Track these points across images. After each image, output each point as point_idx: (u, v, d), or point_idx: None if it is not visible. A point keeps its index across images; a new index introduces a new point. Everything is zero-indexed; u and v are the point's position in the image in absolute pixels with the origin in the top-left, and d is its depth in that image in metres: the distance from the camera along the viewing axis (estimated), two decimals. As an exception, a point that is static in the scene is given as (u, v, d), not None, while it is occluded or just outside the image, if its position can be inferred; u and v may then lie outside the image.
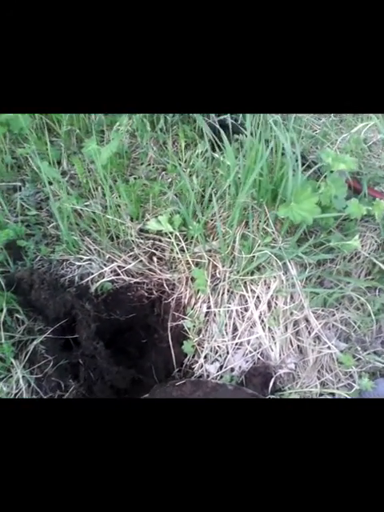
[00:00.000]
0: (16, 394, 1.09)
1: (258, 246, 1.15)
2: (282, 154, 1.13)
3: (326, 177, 1.11)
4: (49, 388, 1.11)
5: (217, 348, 1.21)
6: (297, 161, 1.11)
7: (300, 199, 1.08)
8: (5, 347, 1.11)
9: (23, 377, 1.10)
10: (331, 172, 1.11)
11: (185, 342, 1.23)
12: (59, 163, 1.50)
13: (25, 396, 1.07)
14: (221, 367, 1.19)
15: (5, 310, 1.15)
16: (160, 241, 1.34)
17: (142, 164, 1.49)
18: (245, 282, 1.21)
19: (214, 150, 1.34)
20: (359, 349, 1.16)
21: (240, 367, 1.18)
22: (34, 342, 1.16)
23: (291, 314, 1.18)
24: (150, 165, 1.48)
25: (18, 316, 1.19)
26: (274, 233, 1.15)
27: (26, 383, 1.10)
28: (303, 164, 1.20)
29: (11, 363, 1.12)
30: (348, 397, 1.06)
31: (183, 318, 1.27)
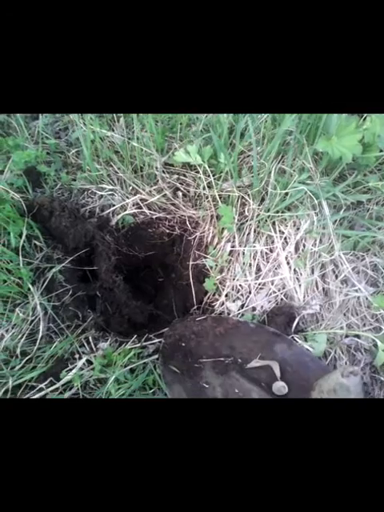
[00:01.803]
0: (32, 321, 1.05)
1: (294, 182, 1.09)
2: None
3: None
4: (66, 317, 1.08)
5: (239, 287, 1.17)
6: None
7: (342, 134, 1.01)
8: (23, 272, 1.07)
9: (41, 304, 1.06)
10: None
11: (206, 279, 1.19)
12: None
13: (41, 323, 1.04)
14: (242, 306, 1.16)
15: (24, 236, 1.10)
16: (185, 175, 1.28)
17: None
18: (274, 222, 1.15)
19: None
20: None
21: (262, 307, 1.15)
22: (53, 270, 1.11)
23: (319, 256, 1.13)
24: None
25: (37, 243, 1.14)
26: (311, 169, 1.09)
27: (43, 310, 1.06)
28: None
29: (29, 289, 1.08)
30: (376, 339, 1.03)
31: (205, 257, 1.23)
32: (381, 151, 1.05)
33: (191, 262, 1.25)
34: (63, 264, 1.13)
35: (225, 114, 1.18)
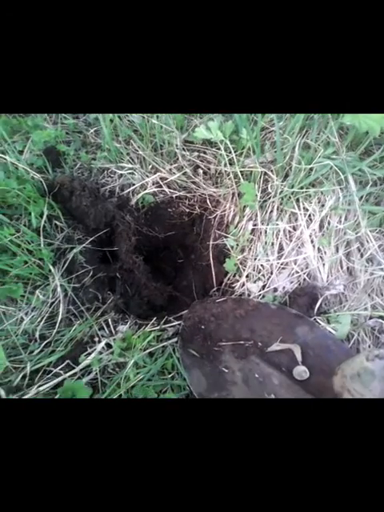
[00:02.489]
0: (52, 304, 1.05)
1: (319, 157, 1.04)
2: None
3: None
4: (86, 299, 1.07)
5: (260, 267, 1.14)
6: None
7: (370, 106, 0.95)
8: (44, 253, 1.07)
9: (61, 285, 1.06)
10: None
11: (227, 259, 1.16)
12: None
13: (61, 305, 1.04)
14: (263, 287, 1.13)
15: (45, 216, 1.09)
16: (205, 153, 1.24)
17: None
18: (297, 199, 1.11)
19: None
20: None
21: (284, 287, 1.11)
22: (73, 251, 1.11)
23: (345, 233, 1.09)
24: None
25: (58, 223, 1.14)
26: (337, 143, 1.04)
27: (63, 292, 1.06)
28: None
29: (49, 271, 1.08)
30: None
31: (225, 237, 1.20)
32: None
33: (211, 242, 1.22)
34: (84, 244, 1.12)
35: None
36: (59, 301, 1.05)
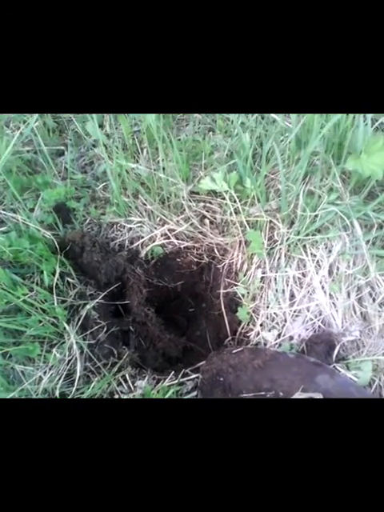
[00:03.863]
0: (69, 361, 1.05)
1: (323, 203, 1.06)
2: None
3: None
4: (102, 354, 1.08)
5: (274, 315, 1.14)
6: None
7: (371, 151, 0.98)
8: (58, 311, 1.07)
9: (77, 343, 1.06)
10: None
11: (239, 308, 1.17)
12: (101, 126, 1.44)
13: (78, 363, 1.04)
14: (279, 335, 1.12)
15: (57, 274, 1.11)
16: (211, 203, 1.27)
17: (186, 125, 1.41)
18: (304, 245, 1.13)
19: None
20: None
21: (299, 335, 1.11)
22: (87, 307, 1.12)
23: (354, 278, 1.09)
24: (195, 125, 1.41)
25: (70, 280, 1.15)
26: (340, 189, 1.06)
27: (79, 349, 1.06)
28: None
29: (64, 328, 1.08)
30: None
31: (235, 285, 1.21)
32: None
33: (222, 291, 1.23)
34: (96, 300, 1.13)
35: (248, 138, 1.17)
36: (76, 358, 1.05)
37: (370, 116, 1.05)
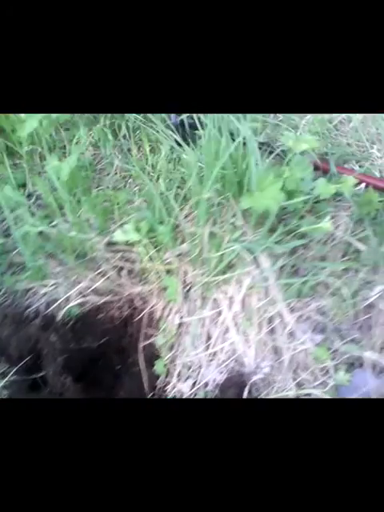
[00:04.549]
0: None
1: (228, 242, 1.07)
2: (244, 144, 1.06)
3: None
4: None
5: (190, 363, 1.12)
6: (260, 148, 1.05)
7: (263, 187, 1.01)
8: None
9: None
10: (295, 155, 1.03)
11: (156, 361, 1.15)
12: (24, 185, 1.45)
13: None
14: (194, 384, 1.10)
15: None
16: (131, 251, 1.26)
17: (108, 174, 1.43)
18: (217, 284, 1.12)
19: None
20: (336, 339, 1.05)
21: (214, 380, 1.09)
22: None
23: (265, 311, 1.09)
24: (116, 174, 1.43)
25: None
26: (243, 226, 1.07)
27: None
28: (270, 152, 1.14)
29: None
30: (324, 395, 0.97)
31: (155, 335, 1.18)
32: (307, 194, 1.04)
33: (142, 343, 1.20)
34: (6, 378, 1.09)
35: (162, 185, 1.19)
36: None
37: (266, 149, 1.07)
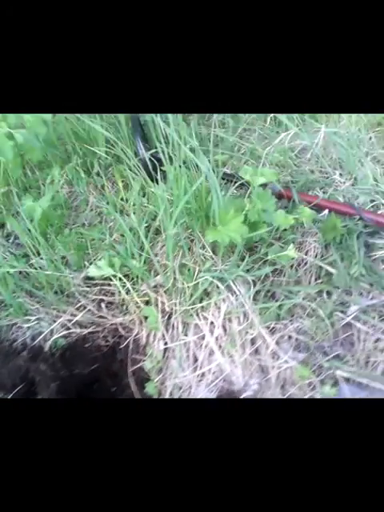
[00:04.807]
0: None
1: (199, 272, 1.13)
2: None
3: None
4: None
5: (180, 384, 1.17)
6: (226, 180, 1.11)
7: (225, 221, 1.07)
8: None
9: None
10: (256, 187, 1.10)
11: (146, 384, 1.19)
12: (3, 226, 1.50)
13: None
14: None
15: None
16: (109, 285, 1.31)
17: (83, 211, 1.48)
18: (196, 311, 1.18)
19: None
20: (320, 356, 1.11)
21: None
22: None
23: (246, 333, 1.14)
24: (92, 210, 1.48)
25: (-30, 393, 1.15)
26: (212, 257, 1.13)
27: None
28: (235, 182, 1.21)
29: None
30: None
31: (144, 360, 1.23)
32: (270, 225, 1.10)
33: (131, 368, 1.25)
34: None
35: (135, 220, 1.24)
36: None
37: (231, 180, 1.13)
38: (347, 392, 1.04)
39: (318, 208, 1.21)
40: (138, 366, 1.24)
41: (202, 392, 1.14)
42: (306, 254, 1.19)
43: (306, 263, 1.21)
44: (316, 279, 1.19)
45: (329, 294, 1.15)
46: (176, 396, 1.17)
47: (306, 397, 1.07)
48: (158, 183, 1.24)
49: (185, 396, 1.16)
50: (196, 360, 1.18)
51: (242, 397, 1.09)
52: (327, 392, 1.04)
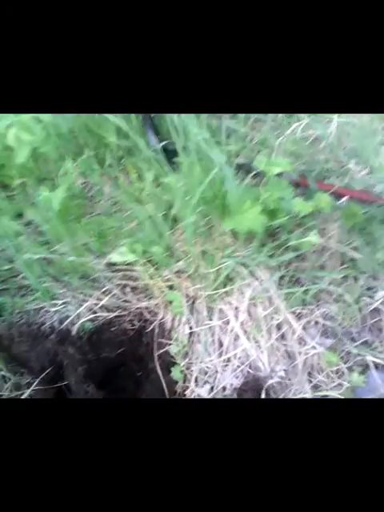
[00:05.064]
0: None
1: (221, 258, 1.17)
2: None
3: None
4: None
5: (206, 369, 1.21)
6: (240, 170, 1.14)
7: (243, 210, 1.09)
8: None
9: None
10: (271, 177, 1.13)
11: (172, 368, 1.24)
12: (20, 215, 1.53)
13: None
14: (212, 388, 1.18)
15: (-10, 371, 1.16)
16: (132, 270, 1.36)
17: (98, 201, 1.52)
18: (220, 296, 1.22)
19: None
20: (347, 342, 1.13)
21: (231, 384, 1.17)
22: (23, 397, 1.17)
23: (272, 318, 1.18)
24: (108, 200, 1.51)
25: (3, 374, 1.20)
26: (233, 243, 1.18)
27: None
28: (249, 173, 1.23)
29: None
30: (340, 397, 1.04)
31: (169, 344, 1.28)
32: (289, 213, 1.13)
33: (157, 352, 1.30)
34: (32, 388, 1.18)
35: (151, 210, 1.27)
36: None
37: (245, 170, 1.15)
38: (377, 379, 1.06)
39: (337, 196, 1.21)
40: (164, 350, 1.29)
41: (228, 377, 1.18)
42: (329, 240, 1.22)
43: (329, 249, 1.23)
44: (341, 264, 1.22)
45: (355, 278, 1.18)
46: (202, 381, 1.21)
47: (334, 385, 1.10)
48: (170, 174, 1.26)
49: (211, 381, 1.20)
50: (221, 345, 1.22)
51: (267, 383, 1.12)
52: (355, 380, 1.06)
